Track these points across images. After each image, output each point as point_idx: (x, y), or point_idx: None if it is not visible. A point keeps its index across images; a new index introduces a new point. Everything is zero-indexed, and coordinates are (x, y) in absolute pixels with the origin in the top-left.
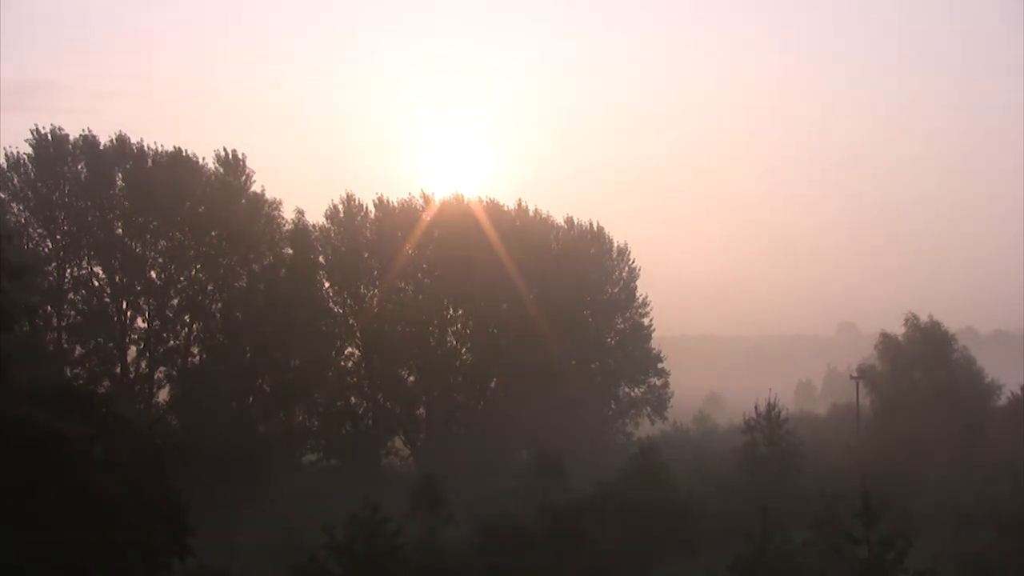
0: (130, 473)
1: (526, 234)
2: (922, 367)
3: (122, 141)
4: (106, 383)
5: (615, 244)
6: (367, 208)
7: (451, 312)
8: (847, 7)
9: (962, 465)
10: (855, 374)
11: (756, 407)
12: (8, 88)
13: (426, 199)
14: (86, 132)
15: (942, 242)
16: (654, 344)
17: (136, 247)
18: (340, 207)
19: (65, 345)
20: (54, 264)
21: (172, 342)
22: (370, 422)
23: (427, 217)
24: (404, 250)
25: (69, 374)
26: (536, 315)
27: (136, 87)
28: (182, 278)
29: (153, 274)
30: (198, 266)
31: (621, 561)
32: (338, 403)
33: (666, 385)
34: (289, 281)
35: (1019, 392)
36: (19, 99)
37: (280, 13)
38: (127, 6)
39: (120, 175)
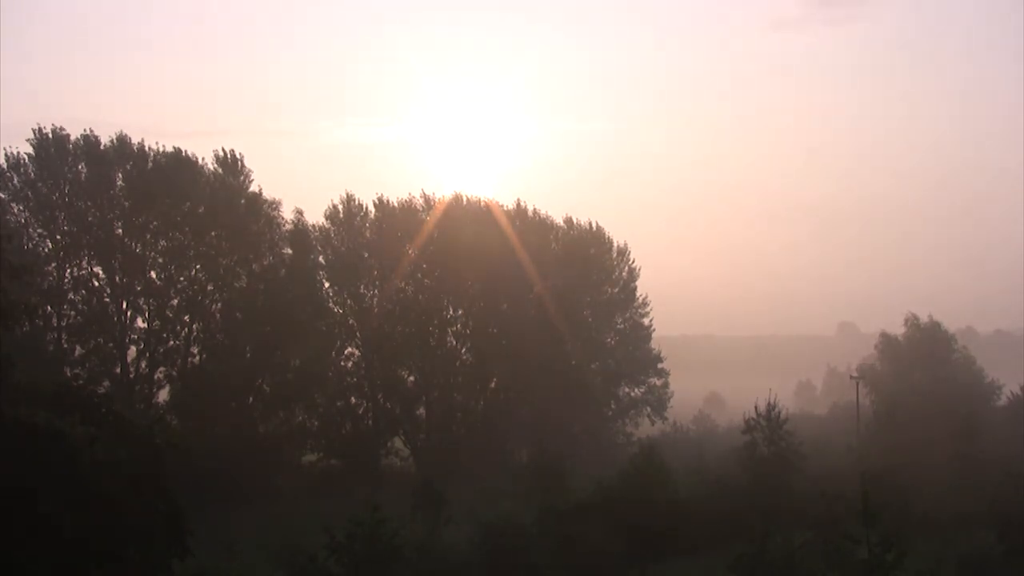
0: (130, 473)
1: (525, 234)
2: (922, 367)
3: (122, 141)
4: (106, 383)
5: (615, 244)
6: (367, 208)
7: (451, 312)
8: (847, 9)
9: (962, 465)
10: (855, 374)
11: (756, 407)
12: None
13: (426, 199)
14: (87, 132)
15: (942, 242)
16: (654, 344)
17: (136, 247)
18: (340, 207)
19: (65, 345)
20: (54, 264)
21: (172, 342)
22: (370, 422)
23: (428, 217)
24: (405, 251)
25: (69, 374)
26: (536, 315)
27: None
28: (182, 278)
29: (153, 274)
30: (198, 266)
31: (621, 561)
32: (338, 403)
33: (666, 385)
34: (289, 281)
35: (1019, 392)
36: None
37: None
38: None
39: (120, 175)
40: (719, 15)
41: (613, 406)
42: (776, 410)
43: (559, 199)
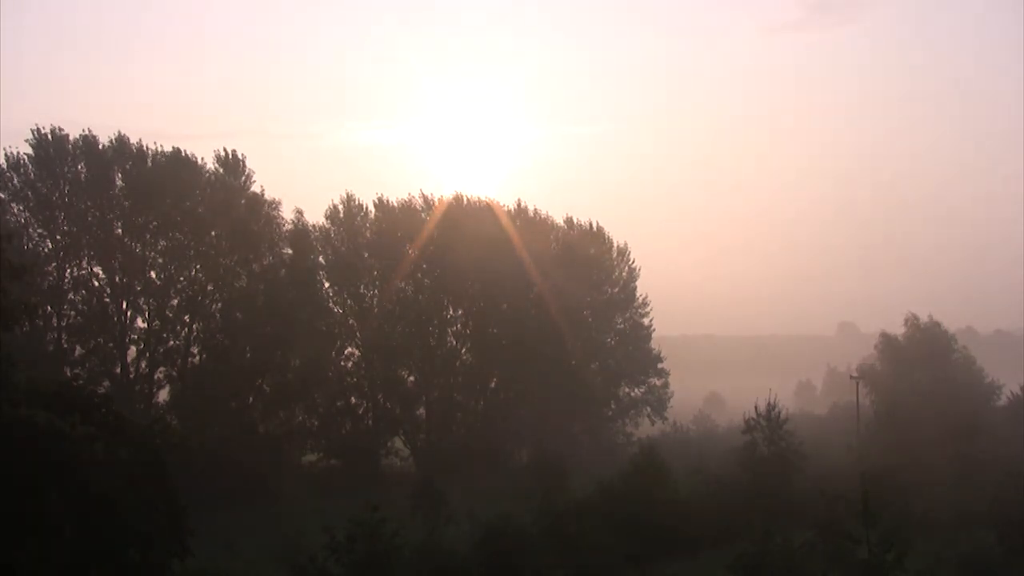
0: (130, 473)
1: (525, 234)
2: (922, 367)
3: (122, 141)
4: (106, 383)
5: (615, 244)
6: (367, 208)
7: (451, 312)
8: (845, 12)
9: (962, 465)
10: (855, 374)
11: (756, 407)
12: None
13: (426, 200)
14: (86, 132)
15: (942, 242)
16: (654, 344)
17: (136, 247)
18: (340, 207)
19: (65, 345)
20: (54, 264)
21: (172, 342)
22: (370, 422)
23: (428, 217)
24: (405, 251)
25: (69, 374)
26: (536, 315)
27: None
28: (182, 278)
29: (153, 274)
30: (198, 266)
31: (621, 561)
32: (338, 403)
33: (666, 385)
34: (289, 281)
35: (1019, 392)
36: None
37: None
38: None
39: (120, 175)
40: (719, 18)
41: (613, 406)
42: (776, 410)
43: (560, 201)
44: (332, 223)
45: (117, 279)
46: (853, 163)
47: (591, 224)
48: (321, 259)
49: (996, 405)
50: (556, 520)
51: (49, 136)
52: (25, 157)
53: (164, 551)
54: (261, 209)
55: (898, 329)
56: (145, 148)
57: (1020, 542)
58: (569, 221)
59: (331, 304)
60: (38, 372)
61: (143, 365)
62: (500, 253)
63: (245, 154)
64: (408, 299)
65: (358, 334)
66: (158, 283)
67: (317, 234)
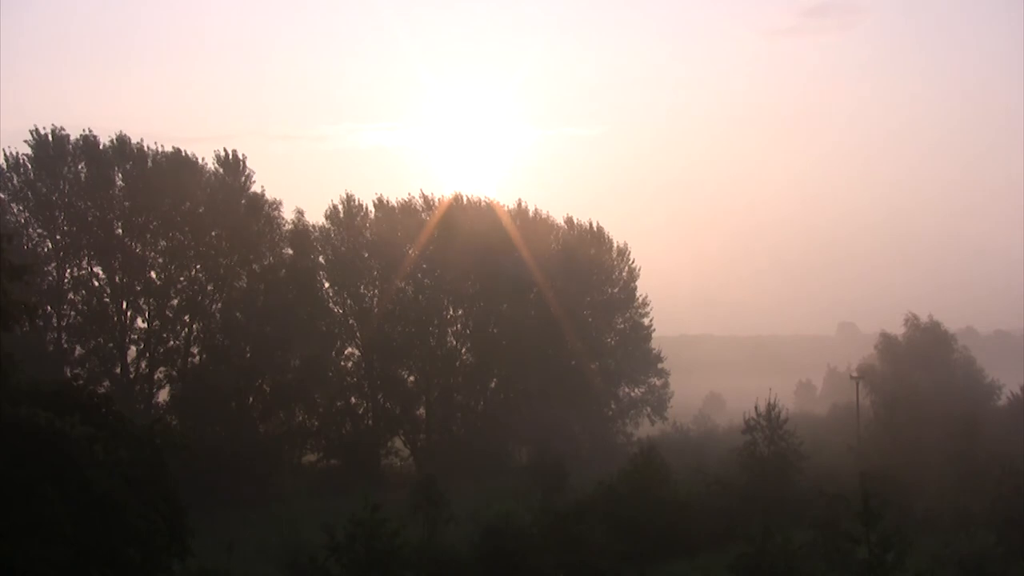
0: (130, 473)
1: (526, 234)
2: (922, 367)
3: (122, 141)
4: (106, 383)
5: (615, 244)
6: (367, 208)
7: (451, 312)
8: (843, 15)
9: (962, 465)
10: (855, 374)
11: (756, 407)
12: None
13: (426, 200)
14: (86, 132)
15: (942, 242)
16: (654, 344)
17: (136, 247)
18: (340, 207)
19: (65, 345)
20: (54, 264)
21: (172, 342)
22: (370, 422)
23: (428, 218)
24: (405, 251)
25: (69, 374)
26: (536, 315)
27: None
28: (182, 278)
29: (153, 274)
30: (198, 266)
31: (621, 561)
32: (338, 403)
33: (666, 385)
34: (289, 281)
35: (1019, 392)
36: None
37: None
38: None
39: (120, 175)
40: (717, 21)
41: (613, 406)
42: (776, 410)
43: (560, 201)
44: (332, 223)
45: (117, 279)
46: (852, 164)
47: (591, 224)
48: (321, 259)
49: (996, 405)
50: (556, 520)
51: (49, 136)
52: (25, 157)
53: (164, 551)
54: (261, 209)
55: (898, 329)
56: (145, 148)
57: (1020, 542)
58: (569, 221)
59: (331, 304)
60: (38, 372)
61: (143, 365)
62: (500, 253)
63: (246, 155)
64: (408, 299)
65: (358, 334)
66: (158, 283)
67: (317, 234)
